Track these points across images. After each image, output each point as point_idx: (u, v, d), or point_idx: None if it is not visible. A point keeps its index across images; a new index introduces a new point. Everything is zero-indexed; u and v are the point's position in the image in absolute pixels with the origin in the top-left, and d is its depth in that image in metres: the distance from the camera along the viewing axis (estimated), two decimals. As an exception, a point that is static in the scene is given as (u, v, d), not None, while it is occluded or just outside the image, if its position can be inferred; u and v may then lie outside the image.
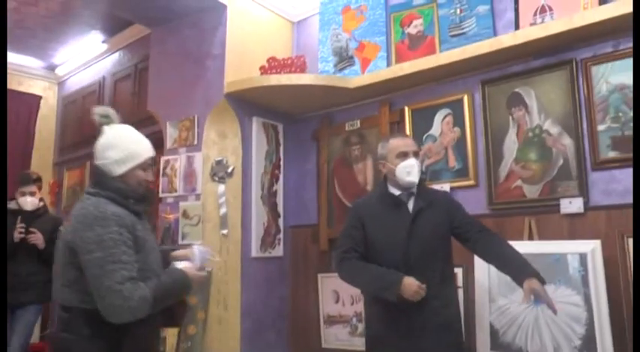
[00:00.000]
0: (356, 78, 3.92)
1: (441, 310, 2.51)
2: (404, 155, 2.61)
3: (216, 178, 3.98)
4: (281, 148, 4.39)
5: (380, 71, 3.83)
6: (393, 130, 3.90)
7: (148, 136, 4.88)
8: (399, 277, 2.43)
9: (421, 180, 2.69)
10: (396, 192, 2.66)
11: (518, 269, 2.42)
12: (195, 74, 4.20)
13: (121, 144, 2.08)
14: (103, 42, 5.78)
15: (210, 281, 3.73)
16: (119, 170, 2.06)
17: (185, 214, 4.06)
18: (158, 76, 4.52)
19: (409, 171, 2.59)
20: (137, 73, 5.39)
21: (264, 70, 4.03)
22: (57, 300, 2.02)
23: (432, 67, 3.50)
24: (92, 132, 5.73)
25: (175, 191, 4.17)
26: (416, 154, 2.66)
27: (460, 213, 2.71)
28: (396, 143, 2.67)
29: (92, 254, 1.85)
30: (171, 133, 4.29)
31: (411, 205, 2.63)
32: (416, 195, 2.65)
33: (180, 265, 2.13)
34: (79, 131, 6.18)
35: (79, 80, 6.35)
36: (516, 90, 3.34)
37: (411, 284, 2.40)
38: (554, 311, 2.36)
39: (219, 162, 3.99)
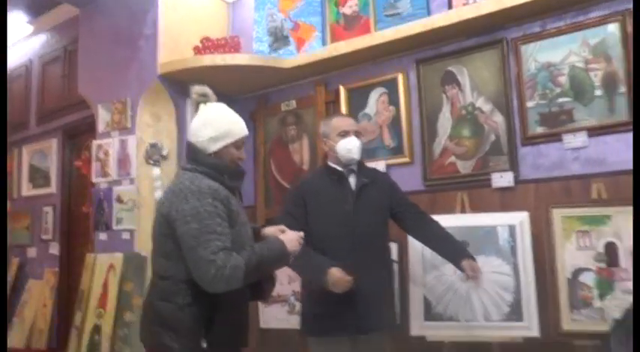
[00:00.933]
0: (291, 58, 3.90)
1: (383, 283, 2.67)
2: (345, 133, 2.71)
3: (151, 161, 3.89)
4: (218, 130, 4.32)
5: (315, 51, 3.83)
6: (328, 110, 3.91)
7: (79, 121, 4.87)
8: (325, 268, 2.48)
9: (361, 159, 2.79)
10: (338, 168, 2.75)
11: (456, 252, 2.68)
12: (126, 55, 4.09)
13: (216, 123, 2.13)
14: (28, 23, 5.52)
15: (147, 266, 3.66)
16: (213, 147, 2.11)
17: (119, 199, 3.96)
18: (88, 58, 4.39)
19: (350, 148, 2.68)
20: (67, 55, 5.20)
21: (197, 51, 3.95)
22: (154, 270, 2.13)
23: (367, 47, 3.52)
24: (20, 119, 5.55)
25: (109, 176, 4.07)
26: (357, 133, 2.75)
27: (399, 194, 2.86)
28: (338, 122, 2.79)
29: (188, 225, 1.92)
30: (103, 117, 4.17)
31: (352, 181, 2.73)
32: (357, 172, 2.76)
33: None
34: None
35: (5, 63, 6.07)
36: (450, 68, 3.40)
37: (333, 274, 2.46)
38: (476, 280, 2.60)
39: (153, 146, 3.90)
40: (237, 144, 2.17)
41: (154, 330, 2.03)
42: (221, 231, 1.94)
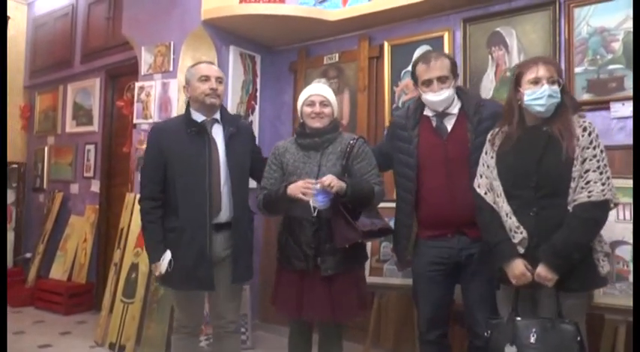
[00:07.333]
0: (336, 11, 3.85)
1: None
2: (206, 78, 2.68)
3: (192, 106, 3.92)
4: (258, 79, 4.34)
5: (361, 5, 3.75)
6: (371, 65, 3.89)
7: (122, 61, 4.91)
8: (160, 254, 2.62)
9: (223, 107, 2.82)
10: (199, 117, 2.71)
11: None
12: (171, -1, 4.09)
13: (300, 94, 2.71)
14: (76, -38, 5.53)
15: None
16: (300, 111, 2.68)
17: (159, 142, 4.02)
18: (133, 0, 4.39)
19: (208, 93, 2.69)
20: (112, -3, 5.22)
21: (242, -2, 3.93)
22: None
23: (414, 3, 3.45)
24: (65, 57, 5.62)
25: (150, 117, 4.13)
26: (219, 80, 2.72)
27: (256, 148, 3.02)
28: (200, 68, 2.73)
29: None
30: (146, 59, 4.21)
31: (215, 132, 2.72)
32: (222, 121, 2.76)
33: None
34: (50, 54, 6.00)
35: (50, 2, 6.09)
36: (497, 29, 3.33)
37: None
38: None
39: (195, 90, 3.92)
40: (307, 103, 2.62)
41: None
42: (266, 175, 2.70)
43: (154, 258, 2.64)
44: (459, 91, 2.58)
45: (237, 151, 2.74)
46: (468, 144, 2.46)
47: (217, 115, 2.76)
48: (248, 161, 2.80)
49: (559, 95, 2.15)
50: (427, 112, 2.57)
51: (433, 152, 2.51)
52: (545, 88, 2.12)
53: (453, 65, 2.53)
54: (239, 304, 2.92)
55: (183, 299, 2.73)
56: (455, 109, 2.53)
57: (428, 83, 2.49)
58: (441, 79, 2.46)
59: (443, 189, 2.48)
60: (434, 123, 2.55)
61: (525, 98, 2.16)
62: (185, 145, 2.65)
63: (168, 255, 2.60)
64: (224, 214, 2.67)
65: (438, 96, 2.47)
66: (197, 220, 2.60)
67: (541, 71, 2.15)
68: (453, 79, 2.51)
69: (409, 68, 3.55)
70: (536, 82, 2.15)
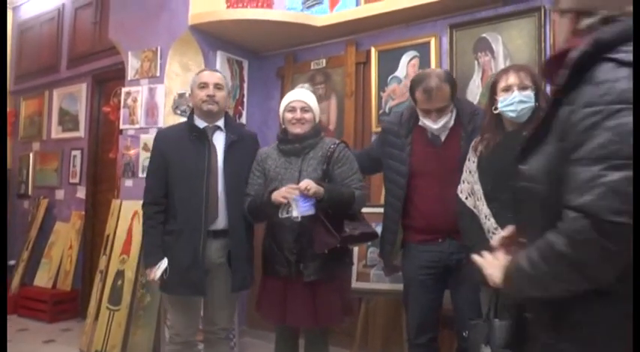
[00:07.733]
0: (324, 16, 3.86)
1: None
2: (204, 85, 2.73)
3: (179, 112, 3.91)
4: (245, 85, 4.33)
5: (348, 10, 3.77)
6: (358, 71, 3.90)
7: (109, 66, 4.88)
8: (156, 259, 2.67)
9: (228, 115, 2.86)
10: (202, 124, 2.75)
11: None
12: (158, 4, 4.06)
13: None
14: (62, -34, 5.50)
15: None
16: (281, 117, 2.72)
17: (146, 147, 3.99)
18: (120, 4, 4.36)
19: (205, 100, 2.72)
20: (99, 1, 5.19)
21: (230, 4, 3.93)
22: None
23: (402, 9, 3.46)
24: (51, 63, 5.58)
25: (137, 123, 4.10)
26: (218, 86, 2.75)
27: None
28: (201, 75, 2.80)
29: None
30: (133, 64, 4.19)
31: (217, 139, 2.76)
32: (225, 128, 2.79)
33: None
34: (36, 59, 5.96)
35: (36, 6, 6.06)
36: (483, 35, 3.35)
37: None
38: None
39: (181, 96, 3.92)
40: (288, 109, 2.65)
41: None
42: (250, 181, 2.71)
43: (150, 262, 2.66)
44: (455, 100, 2.59)
45: (236, 159, 2.74)
46: (461, 153, 2.48)
47: (221, 122, 2.78)
48: (247, 169, 2.77)
49: (532, 99, 2.20)
50: (422, 123, 2.57)
51: (426, 160, 2.54)
52: (516, 95, 2.19)
53: (453, 89, 2.52)
54: (233, 312, 2.92)
55: (178, 305, 2.72)
56: (450, 122, 2.54)
57: (427, 111, 2.50)
58: (441, 109, 2.47)
59: (435, 197, 2.50)
60: (428, 133, 2.56)
61: (499, 105, 2.24)
62: (186, 151, 2.69)
63: (164, 263, 2.62)
64: (221, 221, 2.68)
65: (436, 124, 2.49)
66: (193, 224, 2.62)
67: (511, 79, 2.24)
68: (451, 102, 2.52)
69: (396, 74, 3.63)
70: (506, 89, 2.23)
